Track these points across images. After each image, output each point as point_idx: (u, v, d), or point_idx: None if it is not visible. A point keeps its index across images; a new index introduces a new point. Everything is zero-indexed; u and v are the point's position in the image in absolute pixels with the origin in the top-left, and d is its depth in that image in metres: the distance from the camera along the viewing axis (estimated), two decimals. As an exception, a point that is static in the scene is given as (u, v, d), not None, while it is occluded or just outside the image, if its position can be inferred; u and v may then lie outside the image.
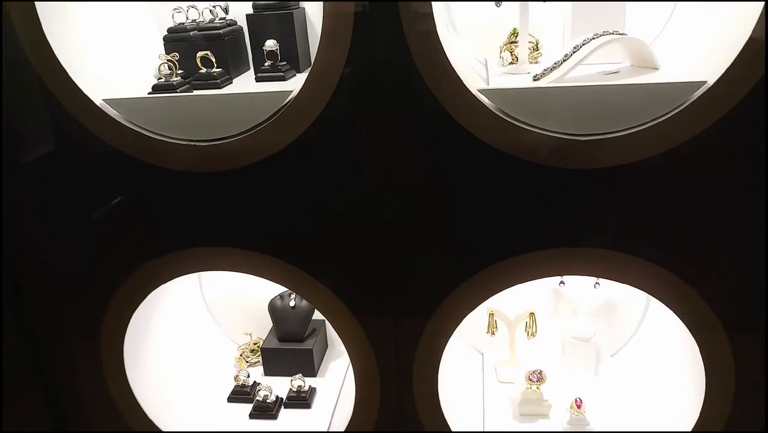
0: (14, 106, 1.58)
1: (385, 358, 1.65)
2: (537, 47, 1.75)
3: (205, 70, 1.66)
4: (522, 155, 1.38)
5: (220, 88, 1.65)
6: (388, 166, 1.48)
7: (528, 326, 1.97)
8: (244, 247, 1.61)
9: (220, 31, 1.72)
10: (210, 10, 1.77)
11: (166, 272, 1.70)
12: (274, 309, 2.13)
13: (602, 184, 1.40)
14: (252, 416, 1.96)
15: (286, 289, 2.05)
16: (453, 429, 1.70)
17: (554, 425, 1.80)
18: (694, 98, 1.28)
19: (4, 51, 1.51)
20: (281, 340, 2.13)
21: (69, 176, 1.65)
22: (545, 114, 1.36)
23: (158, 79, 1.63)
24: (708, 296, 1.43)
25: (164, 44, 1.74)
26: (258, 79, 1.68)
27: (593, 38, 1.45)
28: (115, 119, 1.53)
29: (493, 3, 1.60)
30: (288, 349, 2.11)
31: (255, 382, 2.07)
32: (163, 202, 1.63)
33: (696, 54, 1.46)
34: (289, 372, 2.05)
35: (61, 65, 1.48)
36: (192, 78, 1.68)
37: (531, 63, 1.70)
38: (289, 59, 1.72)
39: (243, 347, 2.25)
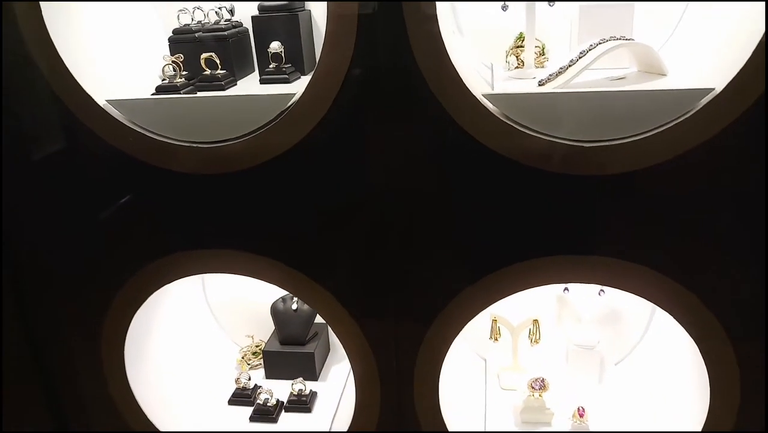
0: (17, 105, 1.58)
1: (385, 362, 1.64)
2: (543, 52, 1.74)
3: (209, 71, 1.66)
4: (525, 161, 1.37)
5: (223, 90, 1.65)
6: (391, 169, 1.47)
7: (531, 332, 1.96)
8: (245, 249, 1.60)
9: (225, 33, 1.72)
10: (216, 12, 1.77)
11: (167, 274, 1.70)
12: (276, 312, 2.12)
13: (607, 191, 1.38)
14: (252, 419, 1.95)
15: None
16: (453, 436, 1.68)
17: (556, 434, 1.79)
18: (702, 106, 1.27)
19: (8, 50, 1.51)
20: (283, 343, 2.12)
21: (71, 177, 1.65)
22: (549, 119, 1.35)
23: (162, 81, 1.63)
24: (713, 305, 1.41)
25: (169, 45, 1.74)
26: (262, 82, 1.68)
27: (600, 43, 1.44)
28: (117, 120, 1.53)
29: (499, 7, 1.59)
30: (289, 352, 2.11)
31: (256, 385, 2.06)
32: (166, 203, 1.63)
33: (704, 61, 1.45)
34: (290, 375, 2.04)
35: (64, 65, 1.48)
36: (196, 79, 1.67)
37: (537, 68, 1.69)
38: (295, 61, 1.71)
39: (245, 349, 2.25)
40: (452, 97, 1.34)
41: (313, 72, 1.41)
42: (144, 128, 1.54)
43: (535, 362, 2.02)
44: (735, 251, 1.38)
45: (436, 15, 1.29)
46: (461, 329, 1.58)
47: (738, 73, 1.22)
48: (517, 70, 1.67)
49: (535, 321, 1.94)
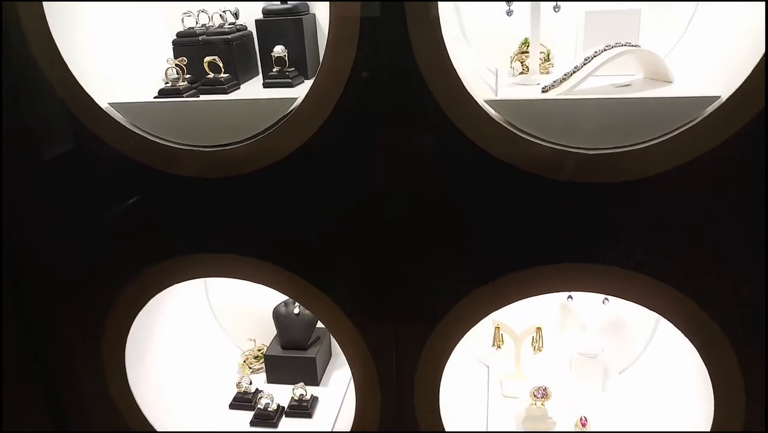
0: (19, 107, 1.58)
1: (386, 368, 1.63)
2: (548, 57, 1.72)
3: (213, 75, 1.65)
4: (527, 167, 1.36)
5: (226, 93, 1.64)
6: (394, 174, 1.46)
7: (534, 340, 1.94)
8: (245, 254, 1.60)
9: (229, 36, 1.71)
10: (220, 15, 1.76)
11: (169, 277, 1.70)
12: (278, 316, 2.11)
13: (611, 199, 1.37)
14: (253, 423, 1.94)
15: (290, 296, 2.04)
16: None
17: (558, 443, 1.77)
18: (707, 114, 1.25)
19: (11, 52, 1.51)
20: (284, 347, 2.12)
21: (73, 179, 1.65)
22: (552, 126, 1.34)
23: (165, 84, 1.63)
24: (715, 313, 1.40)
25: (173, 48, 1.74)
26: (265, 85, 1.68)
27: (605, 50, 1.42)
28: (119, 123, 1.52)
29: (504, 12, 1.58)
30: (291, 357, 2.10)
31: (257, 389, 2.05)
32: (167, 207, 1.62)
33: (710, 68, 1.43)
34: (291, 380, 2.03)
35: (67, 67, 1.48)
36: (199, 83, 1.67)
37: (542, 73, 1.68)
38: (298, 65, 1.71)
39: (247, 353, 2.24)
40: (454, 103, 1.33)
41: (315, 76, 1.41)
42: (146, 131, 1.54)
43: (538, 370, 2.00)
44: (736, 260, 1.36)
45: (438, 19, 1.28)
46: (463, 336, 1.57)
47: (744, 82, 1.20)
48: (521, 75, 1.65)
49: (539, 329, 1.93)
